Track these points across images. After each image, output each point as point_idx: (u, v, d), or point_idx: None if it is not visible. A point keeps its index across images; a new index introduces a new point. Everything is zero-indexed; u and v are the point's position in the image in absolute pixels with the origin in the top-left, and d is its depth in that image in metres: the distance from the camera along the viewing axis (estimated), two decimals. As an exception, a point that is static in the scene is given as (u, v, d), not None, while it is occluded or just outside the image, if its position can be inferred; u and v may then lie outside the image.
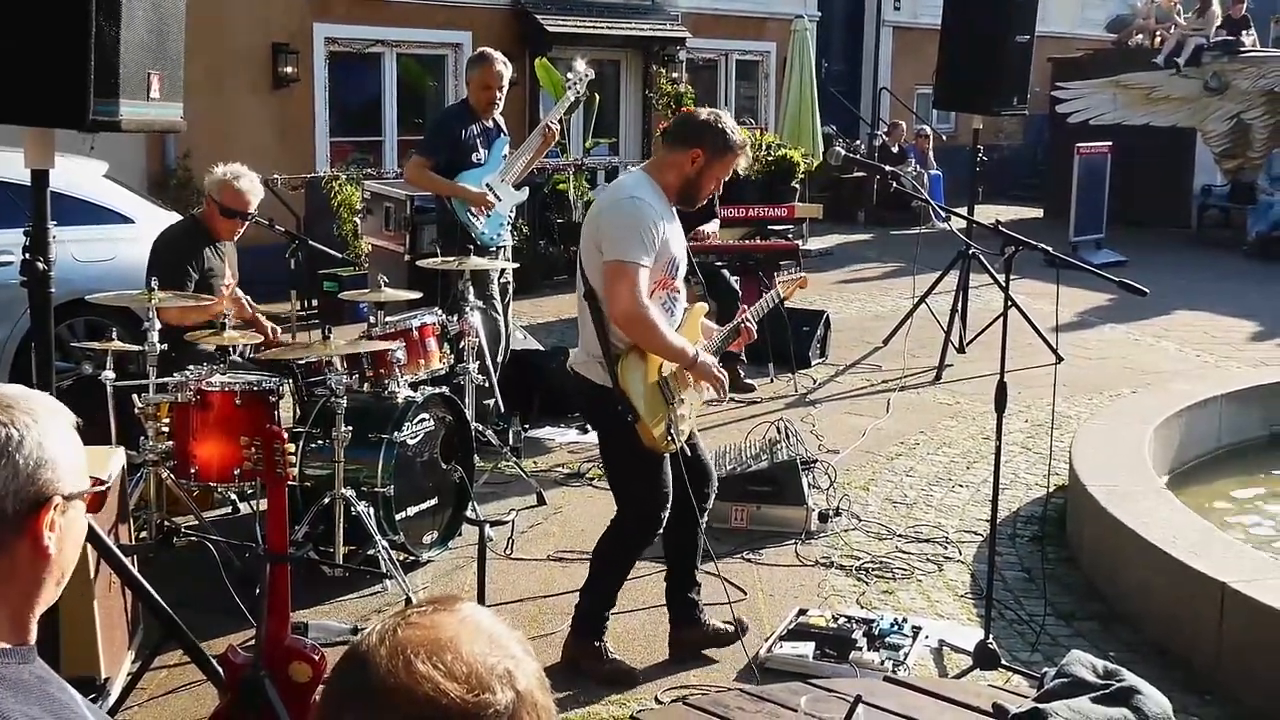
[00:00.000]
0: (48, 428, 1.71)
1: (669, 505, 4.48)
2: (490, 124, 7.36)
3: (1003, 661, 4.56)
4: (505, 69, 7.28)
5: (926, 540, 6.01)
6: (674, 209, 4.49)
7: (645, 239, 4.26)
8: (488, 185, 7.23)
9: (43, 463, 1.68)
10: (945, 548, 5.92)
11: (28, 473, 1.67)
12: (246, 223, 6.12)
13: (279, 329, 6.44)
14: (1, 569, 1.68)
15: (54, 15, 3.38)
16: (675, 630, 4.80)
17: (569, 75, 7.79)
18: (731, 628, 4.76)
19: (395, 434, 5.41)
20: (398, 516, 5.41)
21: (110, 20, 3.46)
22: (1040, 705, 2.46)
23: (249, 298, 6.41)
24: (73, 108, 3.42)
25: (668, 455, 4.44)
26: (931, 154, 18.67)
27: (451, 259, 6.76)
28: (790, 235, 11.19)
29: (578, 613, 4.66)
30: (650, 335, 4.29)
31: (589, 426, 7.57)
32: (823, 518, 6.12)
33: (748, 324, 4.76)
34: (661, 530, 4.57)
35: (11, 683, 1.61)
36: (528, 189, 7.81)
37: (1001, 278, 5.09)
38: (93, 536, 3.40)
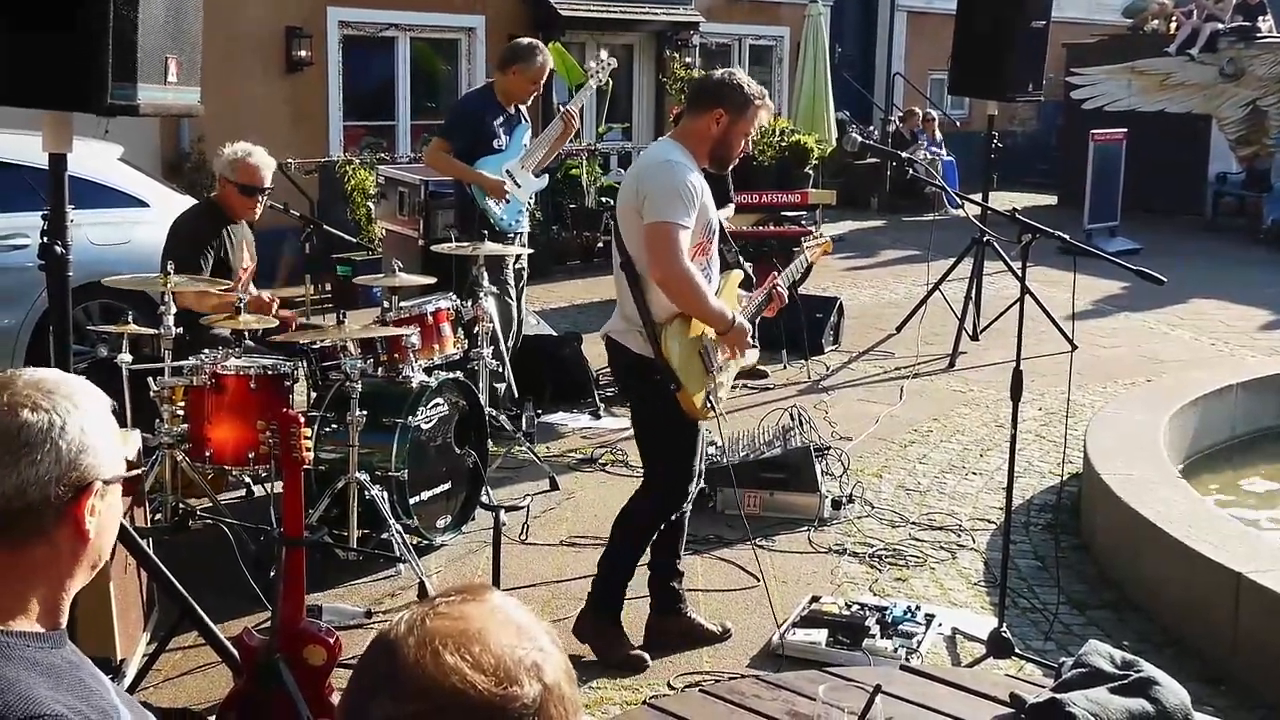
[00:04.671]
0: (88, 412, 1.73)
1: (696, 478, 4.49)
2: (512, 110, 7.35)
3: (1016, 650, 4.56)
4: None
5: (940, 528, 6.01)
6: (704, 174, 4.49)
7: (685, 199, 4.27)
8: (507, 172, 7.22)
9: (85, 448, 1.70)
10: (958, 535, 5.91)
11: (70, 458, 1.68)
12: (265, 197, 6.12)
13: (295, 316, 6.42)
14: (42, 554, 1.69)
15: (73, -1, 3.38)
16: (654, 616, 4.78)
17: (590, 64, 7.79)
18: (717, 629, 4.77)
19: (409, 418, 5.42)
20: (411, 501, 5.42)
21: (128, 3, 3.44)
22: (1058, 695, 2.46)
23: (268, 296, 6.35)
24: (91, 91, 3.40)
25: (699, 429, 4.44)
26: (938, 133, 18.60)
27: (466, 244, 6.77)
28: (804, 221, 11.16)
29: (595, 587, 4.65)
30: (692, 296, 4.29)
31: (604, 408, 7.59)
32: (836, 505, 6.12)
33: (779, 289, 4.79)
34: (688, 503, 4.56)
35: (45, 668, 1.61)
36: (547, 176, 7.82)
37: (1017, 265, 5.07)
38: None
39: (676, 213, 4.25)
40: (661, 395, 4.33)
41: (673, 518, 4.63)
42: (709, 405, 4.39)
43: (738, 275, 4.76)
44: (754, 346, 4.53)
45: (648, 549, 4.71)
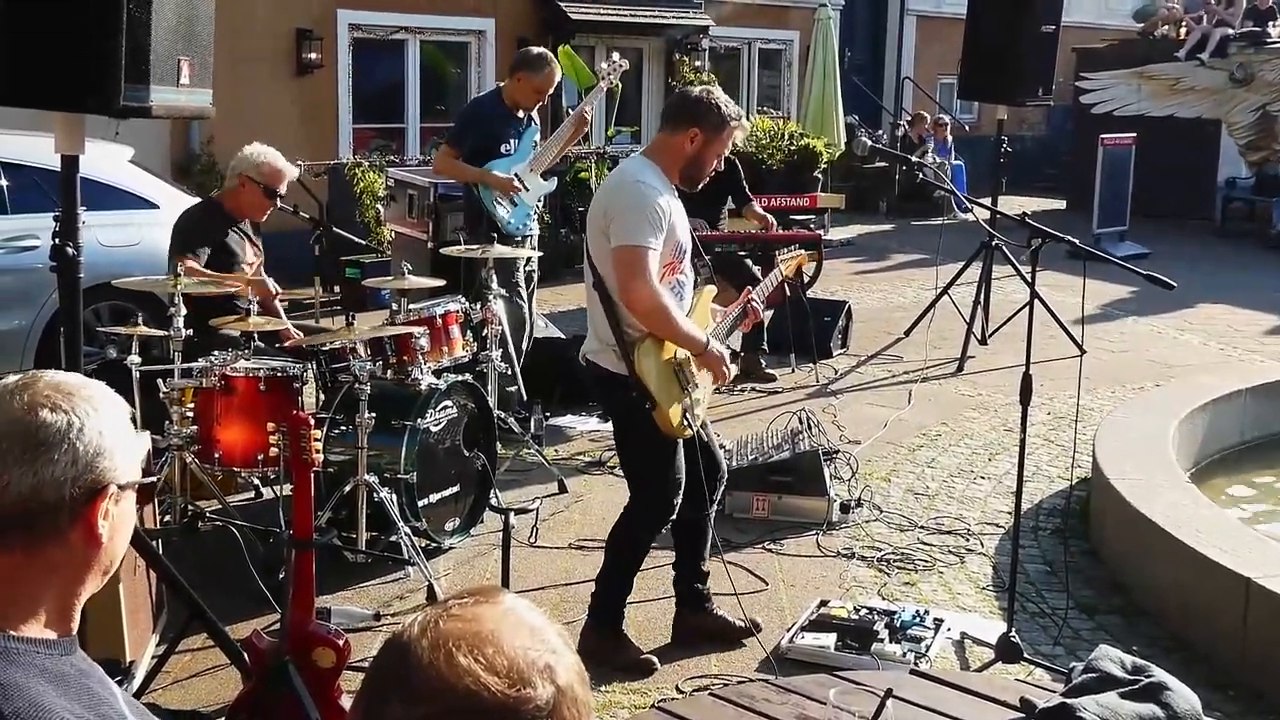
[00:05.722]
0: (107, 416, 1.72)
1: (681, 492, 4.49)
2: (521, 114, 7.38)
3: (1025, 655, 4.55)
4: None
5: (948, 532, 6.00)
6: (676, 192, 4.48)
7: (653, 222, 4.25)
8: (516, 175, 7.25)
9: (101, 451, 1.69)
10: (967, 540, 5.90)
11: (87, 461, 1.67)
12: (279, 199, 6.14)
13: (298, 333, 6.33)
14: (54, 557, 1.68)
15: (85, 0, 3.39)
16: (681, 613, 4.82)
17: (603, 65, 7.83)
18: (748, 625, 4.77)
19: (418, 421, 5.42)
20: (420, 503, 5.43)
21: (141, 5, 3.46)
22: (1068, 700, 2.45)
23: (274, 283, 6.35)
24: (104, 93, 3.42)
25: (681, 441, 4.45)
26: (950, 139, 18.58)
27: (475, 247, 6.78)
28: (812, 225, 11.17)
29: (595, 601, 4.67)
30: (663, 320, 4.27)
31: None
32: (844, 509, 6.11)
33: (754, 304, 4.78)
34: (674, 516, 4.57)
35: (54, 676, 1.61)
36: (555, 179, 7.84)
37: (1026, 270, 5.07)
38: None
39: (644, 236, 4.23)
40: (638, 412, 4.32)
41: (699, 522, 4.66)
42: (685, 422, 4.38)
43: (711, 291, 4.75)
44: (725, 374, 4.49)
45: (672, 554, 4.80)
